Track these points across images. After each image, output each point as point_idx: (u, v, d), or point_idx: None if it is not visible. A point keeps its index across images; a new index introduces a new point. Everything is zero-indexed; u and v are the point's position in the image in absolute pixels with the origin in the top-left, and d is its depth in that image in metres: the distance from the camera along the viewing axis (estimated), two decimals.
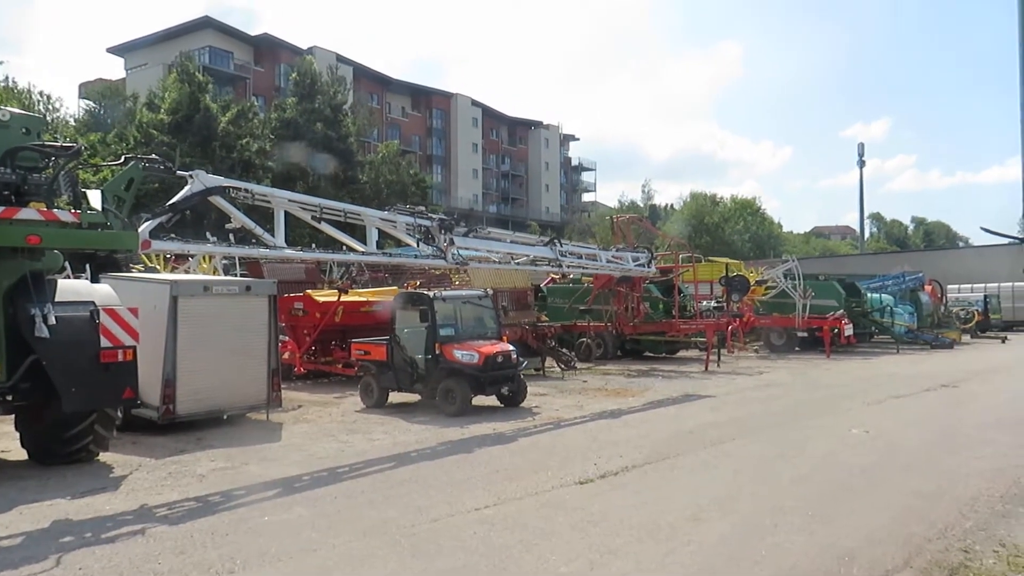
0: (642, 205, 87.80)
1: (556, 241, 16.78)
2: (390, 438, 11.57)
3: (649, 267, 20.98)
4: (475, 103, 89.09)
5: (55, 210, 8.48)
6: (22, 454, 9.96)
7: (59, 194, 8.77)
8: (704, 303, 27.00)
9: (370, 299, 18.86)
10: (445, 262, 13.42)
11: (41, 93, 41.95)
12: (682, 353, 26.77)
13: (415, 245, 13.13)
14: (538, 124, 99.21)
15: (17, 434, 10.08)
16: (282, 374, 13.90)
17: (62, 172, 8.79)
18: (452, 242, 13.26)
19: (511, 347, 14.56)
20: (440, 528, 7.04)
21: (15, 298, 8.75)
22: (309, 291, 18.97)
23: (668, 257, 27.06)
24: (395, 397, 14.72)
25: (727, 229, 72.97)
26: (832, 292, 29.12)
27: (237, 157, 40.97)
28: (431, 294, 14.35)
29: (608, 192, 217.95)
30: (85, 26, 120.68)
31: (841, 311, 27.48)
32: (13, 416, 9.97)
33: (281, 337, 15.41)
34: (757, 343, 29.24)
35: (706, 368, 21.71)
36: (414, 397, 14.59)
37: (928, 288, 36.64)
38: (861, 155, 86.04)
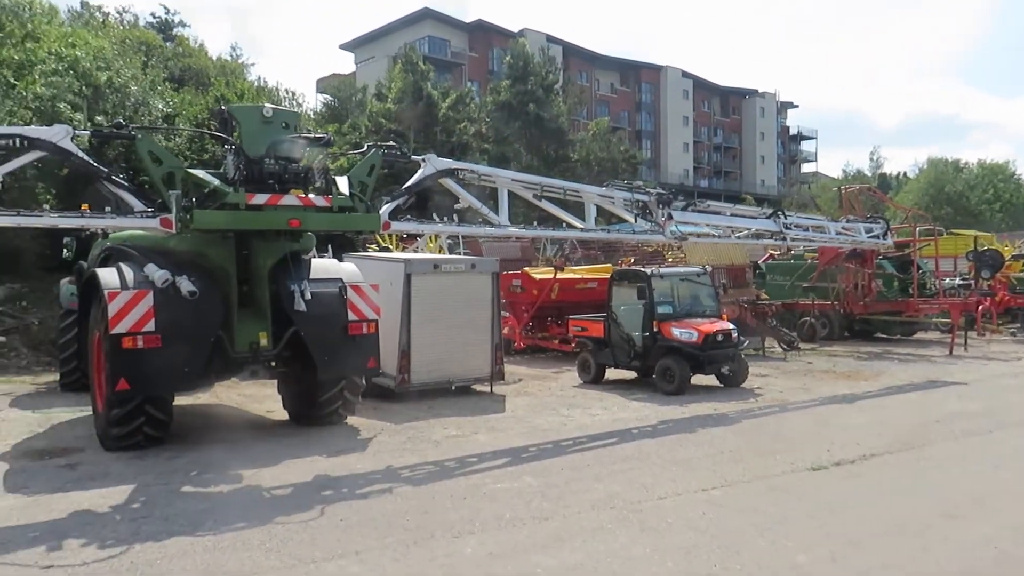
0: (870, 174, 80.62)
1: (780, 213, 15.91)
2: (609, 414, 11.68)
3: (885, 239, 19.30)
4: (685, 75, 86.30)
5: (311, 196, 9.36)
6: (284, 415, 11.22)
7: (313, 182, 9.65)
8: (947, 280, 24.43)
9: (585, 276, 19.09)
10: (663, 237, 13.21)
11: (287, 90, 46.36)
12: (920, 335, 24.48)
13: (632, 221, 13.04)
14: (752, 92, 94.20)
15: (279, 397, 11.37)
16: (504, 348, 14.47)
17: (315, 161, 9.66)
18: (670, 216, 13.00)
19: (731, 325, 14.11)
20: (667, 506, 7.01)
21: (277, 275, 9.83)
22: (526, 268, 19.53)
23: (904, 230, 24.76)
24: (611, 373, 14.81)
25: (972, 198, 65.26)
26: None
27: (456, 141, 42.91)
28: (648, 271, 14.25)
29: (830, 162, 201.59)
30: (319, 26, 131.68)
31: None
32: (276, 380, 11.28)
33: (502, 313, 16.00)
34: (1013, 325, 25.99)
35: (951, 352, 19.68)
36: (630, 374, 14.59)
37: None
38: None
